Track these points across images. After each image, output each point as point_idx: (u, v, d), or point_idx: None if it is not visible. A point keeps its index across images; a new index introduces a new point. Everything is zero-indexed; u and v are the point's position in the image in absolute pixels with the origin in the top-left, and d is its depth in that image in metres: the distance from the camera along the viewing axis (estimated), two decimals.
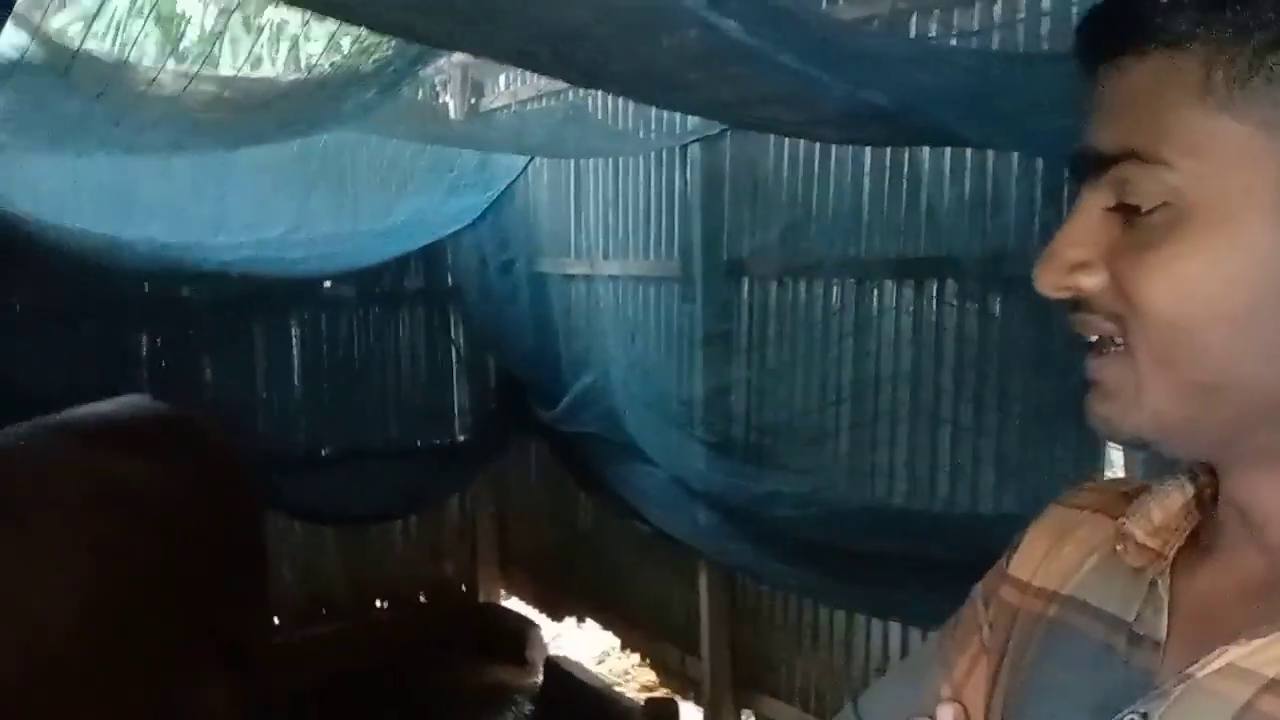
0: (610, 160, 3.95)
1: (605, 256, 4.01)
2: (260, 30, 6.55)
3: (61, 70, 2.14)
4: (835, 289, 3.06)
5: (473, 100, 4.45)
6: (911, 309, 2.81)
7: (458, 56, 4.12)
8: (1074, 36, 0.62)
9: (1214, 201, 0.55)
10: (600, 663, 4.56)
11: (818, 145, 3.03)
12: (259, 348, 4.34)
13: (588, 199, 4.10)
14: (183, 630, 2.07)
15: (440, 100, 4.53)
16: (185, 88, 2.37)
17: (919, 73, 1.46)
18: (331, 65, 2.79)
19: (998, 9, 2.47)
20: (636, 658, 4.40)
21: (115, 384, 2.83)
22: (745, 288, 3.38)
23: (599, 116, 3.82)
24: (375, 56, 2.65)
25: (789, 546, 3.02)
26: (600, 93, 3.75)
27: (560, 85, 3.82)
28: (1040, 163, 2.37)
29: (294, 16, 6.04)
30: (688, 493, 3.42)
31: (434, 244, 4.37)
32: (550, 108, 3.96)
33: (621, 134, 3.81)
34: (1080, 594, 0.70)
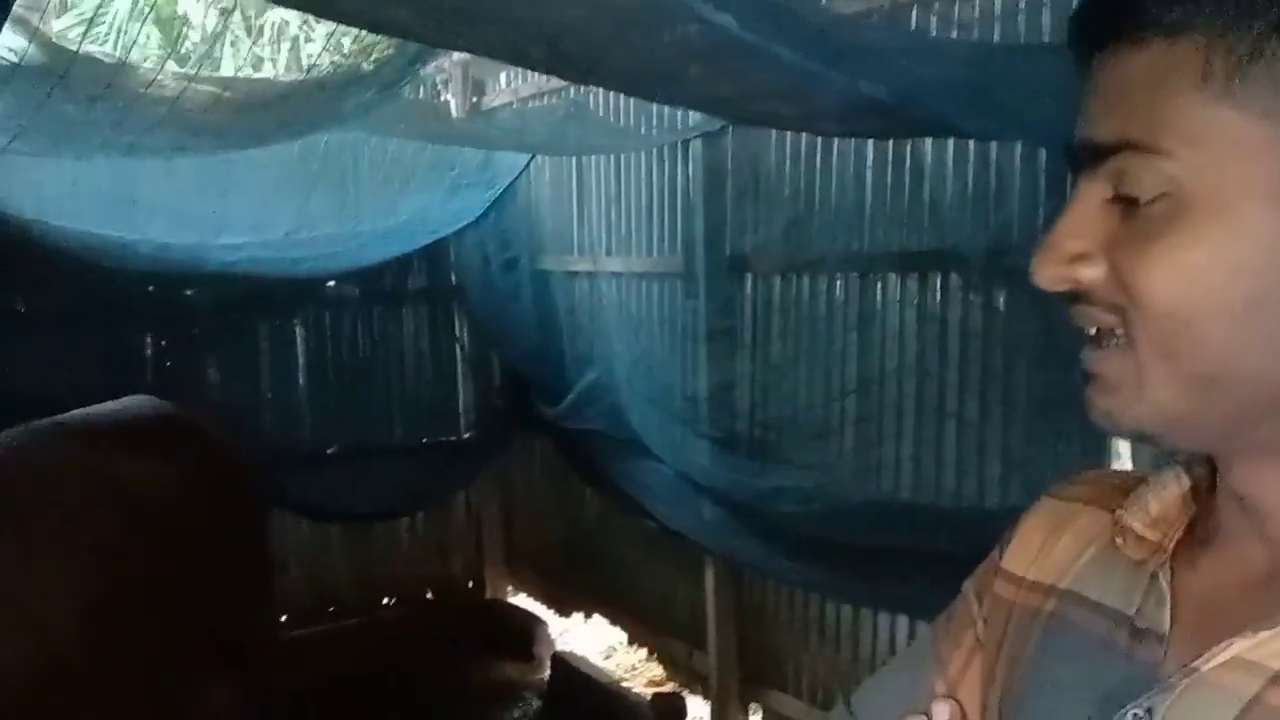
0: (612, 157, 3.94)
1: (608, 253, 4.01)
2: (261, 31, 6.56)
3: (61, 73, 2.14)
4: (838, 283, 3.05)
5: (474, 98, 4.44)
6: (915, 302, 2.80)
7: (459, 55, 4.11)
8: (1069, 25, 0.62)
9: (1214, 191, 0.54)
10: (607, 658, 4.55)
11: (819, 139, 3.02)
12: (263, 348, 4.35)
13: (590, 196, 4.10)
14: (185, 631, 2.07)
15: (442, 99, 4.52)
16: (185, 89, 2.37)
17: (917, 65, 1.45)
18: (332, 65, 2.79)
19: (998, 1, 2.46)
20: (644, 653, 4.40)
21: (120, 385, 2.82)
22: (748, 283, 3.38)
23: (600, 114, 3.82)
24: (375, 56, 2.65)
25: (794, 541, 3.02)
26: (601, 90, 3.74)
27: (561, 83, 3.82)
28: (1043, 153, 2.36)
29: (294, 17, 6.05)
30: (693, 488, 3.42)
31: (437, 242, 4.38)
32: (551, 105, 3.95)
33: (623, 131, 3.81)
34: (1078, 588, 0.69)
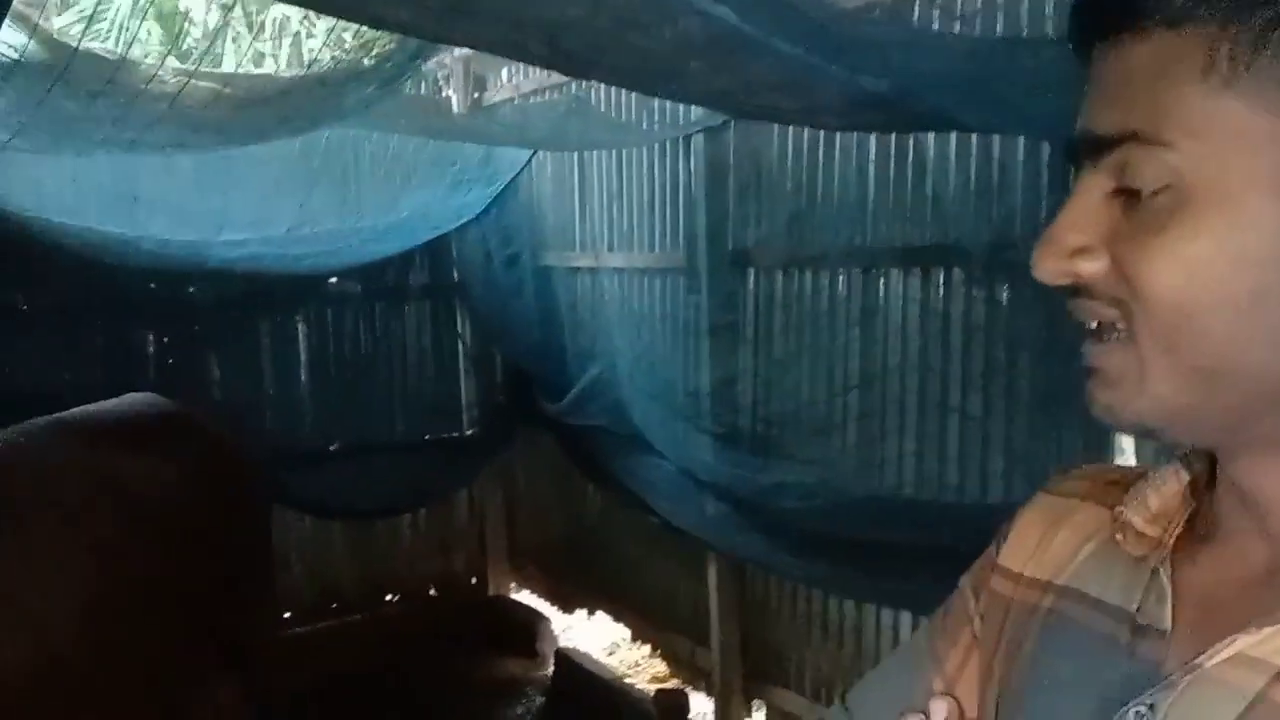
0: (613, 152, 3.94)
1: (610, 249, 4.01)
2: (262, 27, 6.56)
3: (61, 69, 2.13)
4: (841, 278, 3.04)
5: (475, 94, 4.44)
6: (918, 297, 2.80)
7: (460, 51, 4.11)
8: (1069, 16, 0.61)
9: (1217, 183, 0.54)
10: (610, 654, 4.56)
11: (821, 134, 3.01)
12: (265, 344, 4.35)
13: (591, 192, 4.09)
14: (186, 630, 2.07)
15: (443, 94, 4.52)
16: (185, 85, 2.36)
17: (918, 59, 1.44)
18: (332, 60, 2.79)
19: None
20: (647, 649, 4.40)
21: (122, 382, 2.82)
22: (750, 278, 3.37)
23: (602, 109, 3.81)
24: (376, 51, 2.65)
25: (797, 537, 3.02)
26: (603, 85, 3.73)
27: (563, 78, 3.81)
28: (1046, 147, 2.35)
29: (295, 12, 6.05)
30: (695, 484, 3.41)
31: (438, 239, 4.38)
32: (553, 101, 3.95)
33: (624, 126, 3.80)
34: (1078, 584, 0.69)
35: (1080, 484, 0.75)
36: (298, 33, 6.20)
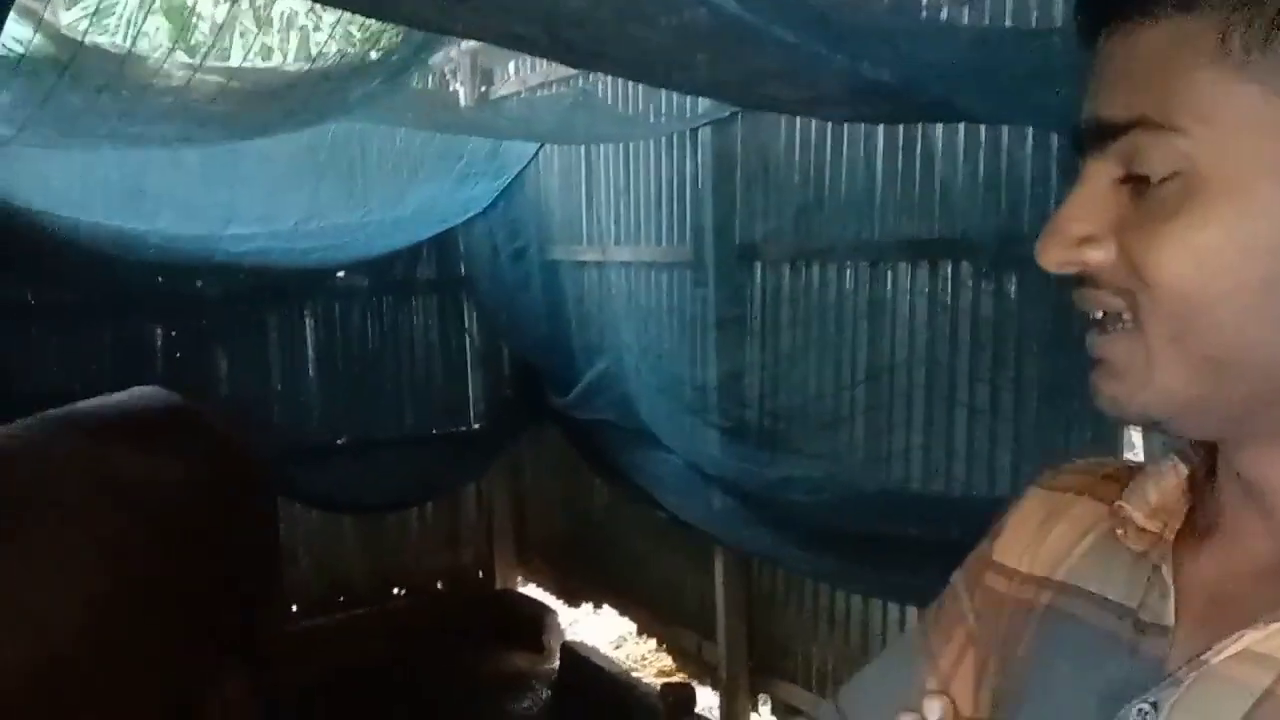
0: (621, 146, 3.93)
1: (617, 243, 4.00)
2: (270, 22, 6.56)
3: (66, 63, 2.13)
4: (848, 272, 3.03)
5: (482, 88, 4.44)
6: (925, 291, 2.78)
7: (467, 44, 4.10)
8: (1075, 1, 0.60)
9: (1229, 169, 0.53)
10: (617, 648, 4.56)
11: (829, 127, 3.00)
12: (273, 339, 4.36)
13: (598, 185, 4.08)
14: (193, 625, 2.06)
15: (450, 88, 4.52)
16: (190, 79, 2.36)
17: (921, 48, 1.43)
18: (338, 53, 2.78)
19: None
20: (653, 643, 4.40)
21: (129, 377, 2.83)
22: (758, 272, 3.36)
23: (609, 102, 3.80)
24: (381, 45, 2.64)
25: (804, 531, 3.01)
26: (610, 78, 3.72)
27: (570, 71, 3.80)
28: (1055, 138, 2.33)
29: (302, 6, 6.05)
30: (702, 478, 3.41)
31: (445, 233, 4.37)
32: (560, 94, 3.94)
33: (631, 119, 3.79)
34: (1076, 580, 0.68)
35: (1074, 478, 0.74)
36: (304, 27, 6.20)
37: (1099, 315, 0.59)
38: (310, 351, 4.43)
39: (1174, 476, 0.65)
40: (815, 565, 3.13)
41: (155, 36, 5.33)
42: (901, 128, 2.74)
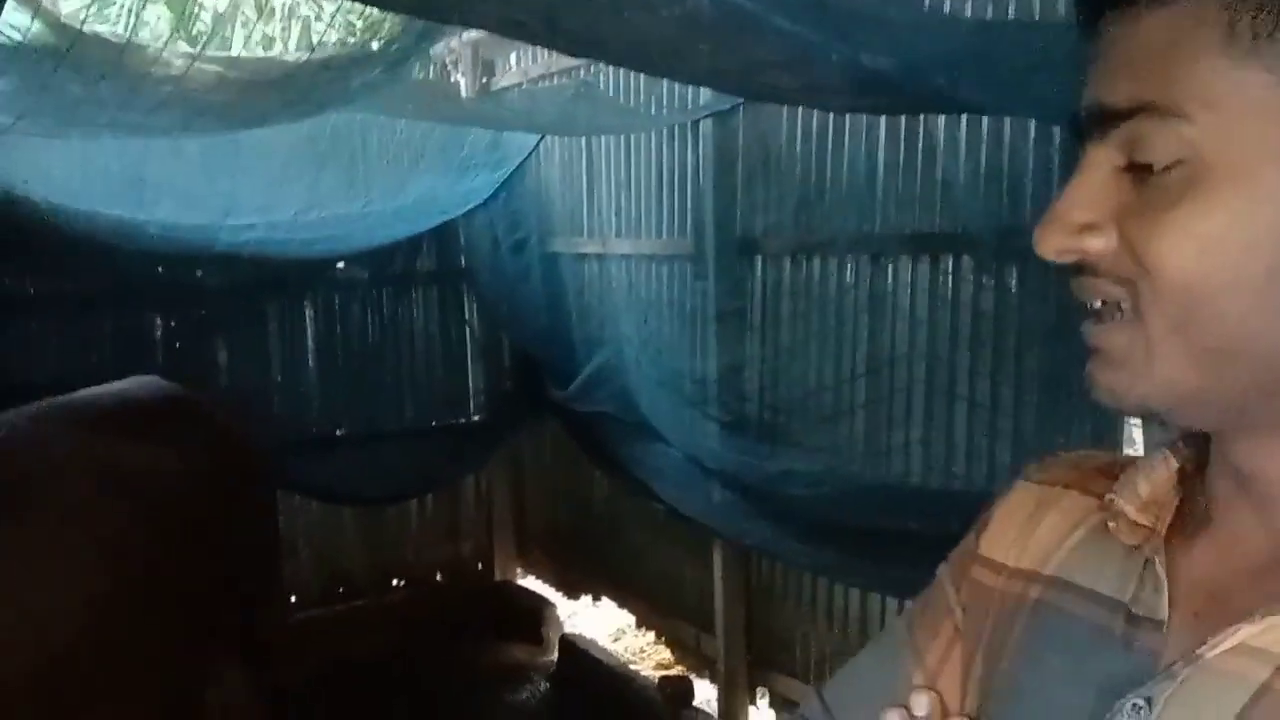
0: (621, 138, 3.92)
1: (617, 235, 3.99)
2: (272, 12, 6.54)
3: (64, 51, 2.12)
4: (849, 265, 3.02)
5: (484, 79, 4.42)
6: (926, 284, 2.77)
7: (468, 35, 4.09)
8: None
9: (1235, 156, 0.52)
10: (615, 641, 4.56)
11: (830, 119, 2.99)
12: (273, 330, 4.35)
13: (599, 177, 4.07)
14: (194, 619, 2.05)
15: (451, 79, 4.51)
16: (189, 68, 2.35)
17: (921, 38, 1.42)
18: (338, 42, 2.77)
19: None
20: (652, 636, 4.40)
21: (129, 367, 2.82)
22: (758, 265, 3.35)
23: (610, 94, 3.79)
24: (382, 34, 2.62)
25: (804, 525, 3.00)
26: (611, 69, 3.71)
27: (571, 62, 3.79)
28: (1057, 131, 2.32)
29: None
30: (702, 471, 3.40)
31: (446, 224, 4.36)
32: (561, 85, 3.93)
33: (632, 111, 3.78)
34: (1066, 574, 0.67)
35: (1062, 472, 0.73)
36: (306, 17, 6.19)
37: (1097, 305, 0.58)
38: (310, 342, 4.42)
39: (1164, 470, 0.64)
40: (814, 559, 3.13)
41: (156, 25, 5.32)
42: (903, 121, 2.73)
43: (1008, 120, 2.46)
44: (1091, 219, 0.57)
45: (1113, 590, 0.63)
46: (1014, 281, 2.55)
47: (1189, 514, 0.63)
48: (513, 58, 4.40)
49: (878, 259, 2.92)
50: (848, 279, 3.03)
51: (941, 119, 2.63)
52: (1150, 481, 0.64)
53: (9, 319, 3.65)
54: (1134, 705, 0.57)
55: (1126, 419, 2.24)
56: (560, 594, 4.78)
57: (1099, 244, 0.56)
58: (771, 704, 3.64)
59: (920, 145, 2.73)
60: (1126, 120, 0.55)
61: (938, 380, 2.77)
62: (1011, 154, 2.49)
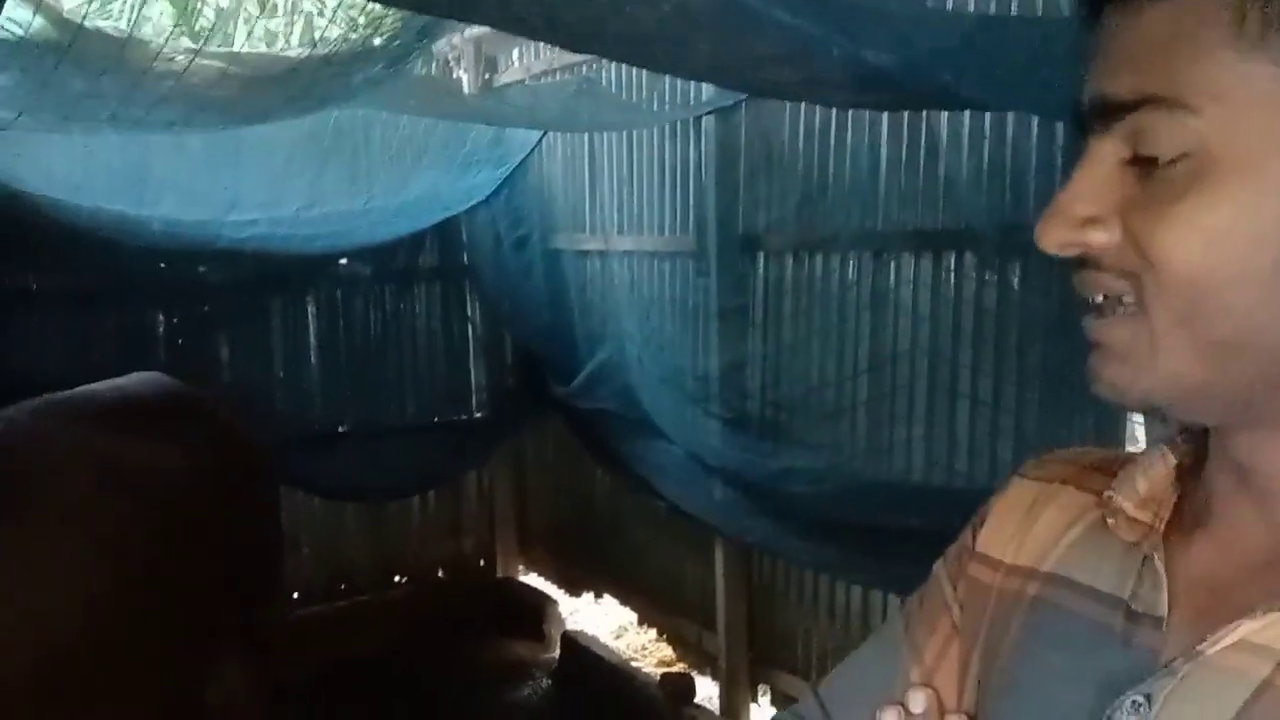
0: (624, 134, 3.91)
1: (619, 232, 3.99)
2: (275, 8, 6.54)
3: (66, 47, 2.12)
4: (851, 262, 3.02)
5: (486, 75, 4.42)
6: (929, 281, 2.77)
7: (470, 31, 4.08)
8: None
9: (1242, 149, 0.51)
10: (617, 638, 4.56)
11: (833, 117, 2.98)
12: (275, 326, 4.35)
13: (601, 174, 4.07)
14: (195, 615, 2.05)
15: (454, 75, 4.50)
16: (191, 64, 2.34)
17: (923, 33, 1.41)
18: (340, 38, 2.76)
19: None
20: (653, 633, 4.40)
21: (131, 363, 2.82)
22: (760, 262, 3.35)
23: (612, 90, 3.78)
24: (384, 30, 2.62)
25: (805, 522, 3.00)
26: (613, 66, 3.71)
27: (573, 59, 3.78)
28: (1060, 128, 2.31)
29: None
30: (704, 468, 3.40)
31: (448, 221, 4.36)
32: (563, 82, 3.92)
33: (634, 107, 3.78)
34: (1065, 571, 0.66)
35: (1059, 468, 0.73)
36: (309, 13, 6.18)
37: (1099, 299, 0.58)
38: (312, 339, 4.42)
39: (1163, 466, 0.64)
40: (816, 556, 3.13)
41: (159, 21, 5.32)
42: (905, 118, 2.73)
43: (1010, 116, 2.45)
44: (1095, 212, 0.56)
45: (1111, 587, 0.63)
46: (1016, 278, 2.55)
47: (1188, 510, 0.63)
48: (515, 54, 4.40)
49: (880, 255, 2.92)
50: (850, 275, 3.02)
51: (944, 115, 2.62)
52: (1148, 477, 0.64)
53: (11, 314, 3.65)
54: (1134, 702, 0.57)
55: (1129, 416, 2.23)
56: (562, 591, 4.78)
57: (1102, 237, 0.56)
58: (773, 701, 3.64)
59: (922, 141, 2.72)
60: (1131, 113, 0.54)
61: (940, 377, 2.76)
62: (1014, 150, 2.48)
